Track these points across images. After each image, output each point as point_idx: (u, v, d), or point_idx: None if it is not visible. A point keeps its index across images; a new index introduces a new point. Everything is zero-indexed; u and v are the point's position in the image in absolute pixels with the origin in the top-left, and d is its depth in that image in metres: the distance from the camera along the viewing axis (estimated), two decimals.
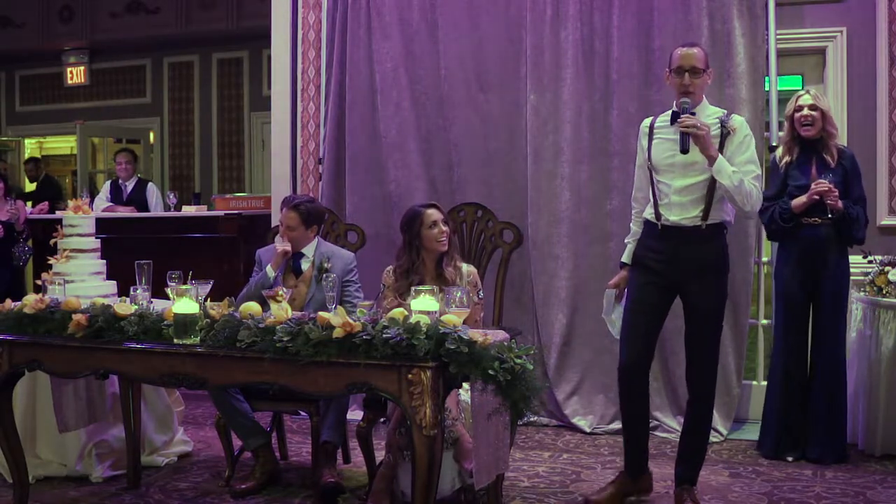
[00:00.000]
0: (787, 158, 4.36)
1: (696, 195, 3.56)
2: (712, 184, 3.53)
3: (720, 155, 3.49)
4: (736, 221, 4.74)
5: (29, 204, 7.70)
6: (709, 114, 3.61)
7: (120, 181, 7.42)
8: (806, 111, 4.26)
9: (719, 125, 3.56)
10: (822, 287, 4.29)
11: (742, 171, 3.51)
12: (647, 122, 3.77)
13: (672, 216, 3.58)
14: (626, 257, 3.83)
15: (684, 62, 3.56)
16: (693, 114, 3.53)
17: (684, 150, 3.49)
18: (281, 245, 4.09)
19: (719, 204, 3.58)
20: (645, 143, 3.71)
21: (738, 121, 3.62)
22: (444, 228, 3.80)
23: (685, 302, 3.66)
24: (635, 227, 3.81)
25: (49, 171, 10.76)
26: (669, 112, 3.65)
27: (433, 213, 3.81)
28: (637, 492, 3.82)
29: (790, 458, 4.34)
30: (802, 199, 4.23)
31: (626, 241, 3.87)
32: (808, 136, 4.28)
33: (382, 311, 3.21)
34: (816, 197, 4.18)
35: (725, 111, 3.67)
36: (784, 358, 4.39)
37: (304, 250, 4.15)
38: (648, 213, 3.69)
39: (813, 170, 4.24)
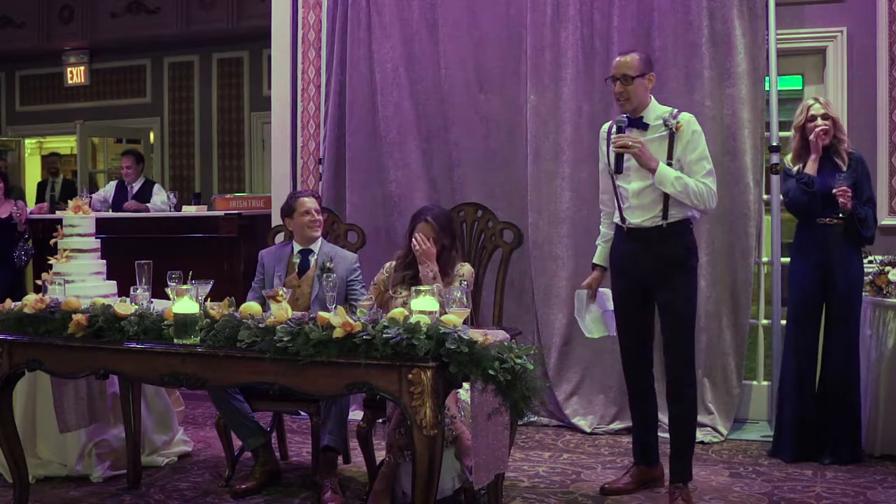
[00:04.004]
0: (798, 166, 4.34)
1: (653, 196, 3.65)
2: None
3: (661, 164, 3.57)
4: (736, 221, 4.80)
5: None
6: (657, 115, 3.68)
7: (126, 183, 7.43)
8: (820, 122, 4.24)
9: (663, 125, 3.63)
10: (834, 287, 4.28)
11: (692, 171, 3.59)
12: (605, 127, 3.88)
13: (634, 219, 3.68)
14: (596, 259, 3.96)
15: (615, 71, 3.68)
16: (635, 120, 3.63)
17: (617, 171, 3.63)
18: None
19: (679, 202, 3.64)
20: (604, 147, 3.81)
21: (685, 118, 3.66)
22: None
23: (656, 300, 3.75)
24: (604, 229, 3.94)
25: (62, 172, 10.71)
26: (625, 117, 3.73)
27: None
28: (652, 480, 3.92)
29: (791, 460, 4.34)
30: (812, 158, 4.21)
31: (596, 242, 3.99)
32: (824, 144, 4.25)
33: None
34: (822, 141, 4.18)
35: (674, 110, 3.71)
36: (796, 358, 4.38)
37: (311, 247, 4.20)
38: (616, 217, 3.79)
39: (837, 176, 4.21)
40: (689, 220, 3.71)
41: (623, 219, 3.73)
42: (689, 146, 3.63)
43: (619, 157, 3.63)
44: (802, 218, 4.37)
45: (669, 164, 3.61)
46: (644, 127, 3.68)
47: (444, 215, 3.96)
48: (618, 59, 3.71)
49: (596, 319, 3.95)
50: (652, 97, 3.74)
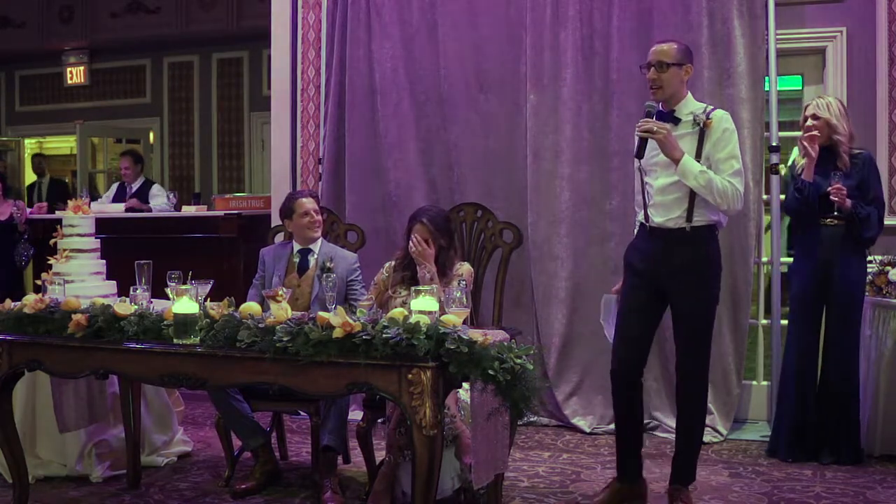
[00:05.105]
0: (801, 164, 4.34)
1: (677, 194, 3.51)
2: None
3: (685, 156, 3.45)
4: (736, 221, 4.79)
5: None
6: (689, 111, 3.56)
7: (125, 183, 7.45)
8: (809, 122, 4.26)
9: (693, 122, 3.51)
10: (834, 288, 4.28)
11: (720, 169, 3.46)
12: (640, 123, 3.71)
13: (657, 217, 3.56)
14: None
15: (651, 57, 3.56)
16: (667, 114, 3.53)
17: (638, 155, 3.51)
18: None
19: (703, 203, 3.50)
20: (636, 144, 3.66)
21: (717, 116, 3.53)
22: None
23: (671, 305, 3.63)
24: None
25: (49, 172, 10.73)
26: (655, 104, 3.61)
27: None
28: (633, 498, 3.74)
29: (789, 460, 4.34)
30: (805, 164, 4.23)
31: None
32: (821, 144, 4.25)
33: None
34: (810, 145, 4.18)
35: (709, 107, 3.60)
36: (797, 359, 4.38)
37: (311, 246, 4.20)
38: (641, 214, 3.69)
39: (834, 175, 4.21)
40: (715, 225, 3.58)
41: (647, 217, 3.60)
42: (719, 143, 3.49)
43: (643, 142, 3.49)
44: (800, 222, 4.39)
45: (698, 163, 3.49)
46: (675, 122, 3.54)
47: (441, 216, 3.95)
48: (655, 46, 3.60)
49: None
50: (689, 93, 3.63)
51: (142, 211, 7.02)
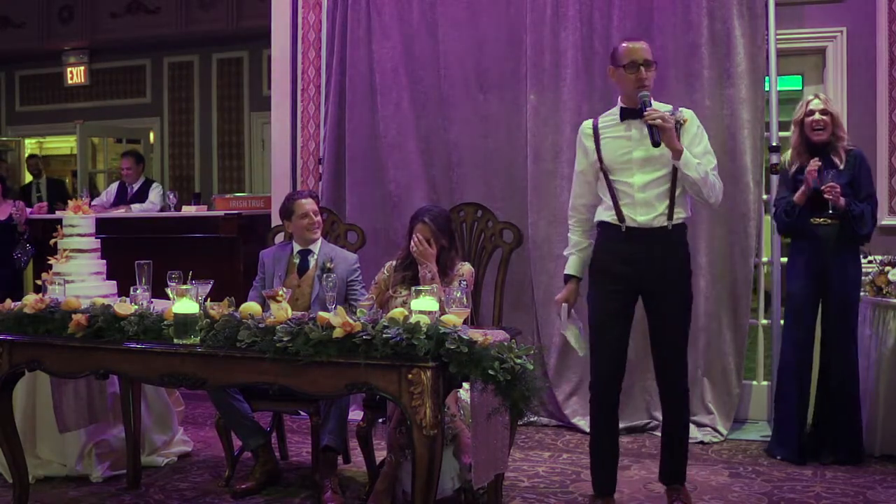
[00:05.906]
0: (797, 164, 4.34)
1: (659, 190, 3.45)
2: (674, 178, 3.44)
3: (685, 148, 3.42)
4: (736, 221, 4.80)
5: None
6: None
7: (126, 183, 7.46)
8: (818, 116, 4.23)
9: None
10: (830, 288, 4.28)
11: (703, 163, 3.45)
12: (587, 123, 3.65)
13: (638, 216, 3.47)
14: (573, 270, 3.69)
15: (637, 56, 3.46)
16: (641, 112, 3.44)
17: (656, 143, 3.38)
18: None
19: (681, 199, 3.49)
20: (591, 144, 3.57)
21: (690, 114, 3.53)
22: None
23: (650, 306, 3.56)
24: (576, 237, 3.68)
25: (49, 172, 10.73)
26: (615, 110, 3.56)
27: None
28: None
29: (791, 460, 4.34)
30: (801, 190, 4.22)
31: (566, 252, 3.74)
32: (819, 140, 4.24)
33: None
34: (811, 184, 4.15)
35: (672, 106, 3.57)
36: (794, 359, 4.37)
37: (311, 247, 4.20)
38: (608, 216, 3.54)
39: (826, 173, 4.20)
40: (686, 222, 3.57)
41: (622, 217, 3.48)
42: (696, 139, 3.49)
43: (653, 129, 3.37)
44: (788, 233, 4.44)
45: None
46: None
47: (443, 216, 3.95)
48: (634, 44, 3.50)
49: (578, 336, 3.70)
50: None
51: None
